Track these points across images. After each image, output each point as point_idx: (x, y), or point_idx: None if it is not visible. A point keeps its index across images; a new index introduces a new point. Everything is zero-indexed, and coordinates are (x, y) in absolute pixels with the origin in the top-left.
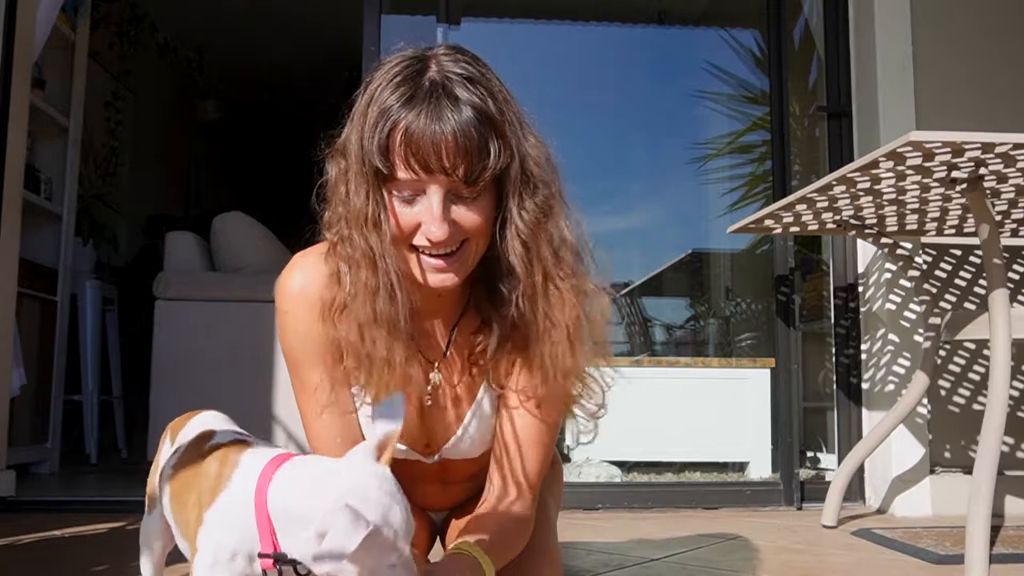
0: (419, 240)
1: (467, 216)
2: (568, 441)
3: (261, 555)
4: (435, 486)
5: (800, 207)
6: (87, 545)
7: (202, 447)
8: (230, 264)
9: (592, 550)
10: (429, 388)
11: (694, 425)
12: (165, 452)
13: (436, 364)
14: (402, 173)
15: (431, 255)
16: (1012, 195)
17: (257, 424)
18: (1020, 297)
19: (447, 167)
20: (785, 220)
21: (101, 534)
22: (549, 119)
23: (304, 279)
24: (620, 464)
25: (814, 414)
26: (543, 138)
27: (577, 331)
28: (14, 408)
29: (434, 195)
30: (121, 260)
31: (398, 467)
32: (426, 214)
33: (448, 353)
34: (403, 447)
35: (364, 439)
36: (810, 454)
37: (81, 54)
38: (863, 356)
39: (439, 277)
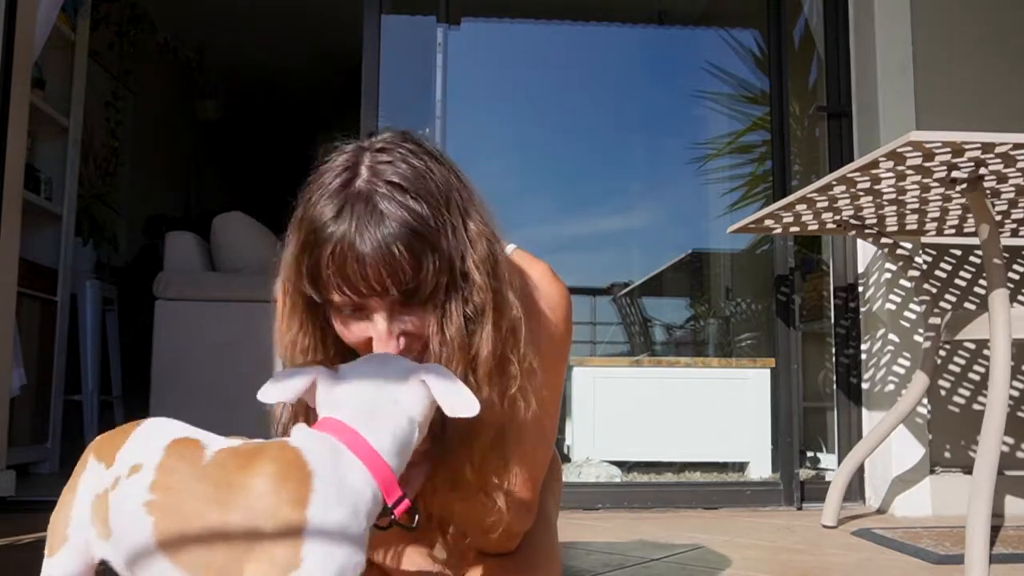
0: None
1: (418, 323)
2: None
3: (388, 509)
4: None
5: (800, 207)
6: None
7: (199, 458)
8: (230, 264)
9: (592, 550)
10: None
11: (694, 425)
12: (90, 478)
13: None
14: (337, 297)
15: None
16: (1012, 195)
17: (257, 424)
18: (1020, 297)
19: (377, 289)
20: (785, 220)
21: None
22: (549, 119)
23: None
24: (620, 464)
25: (814, 414)
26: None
27: (501, 439)
28: (14, 408)
29: (377, 316)
30: (121, 260)
31: None
32: (374, 333)
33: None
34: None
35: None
36: (810, 454)
37: (81, 54)
38: (863, 356)
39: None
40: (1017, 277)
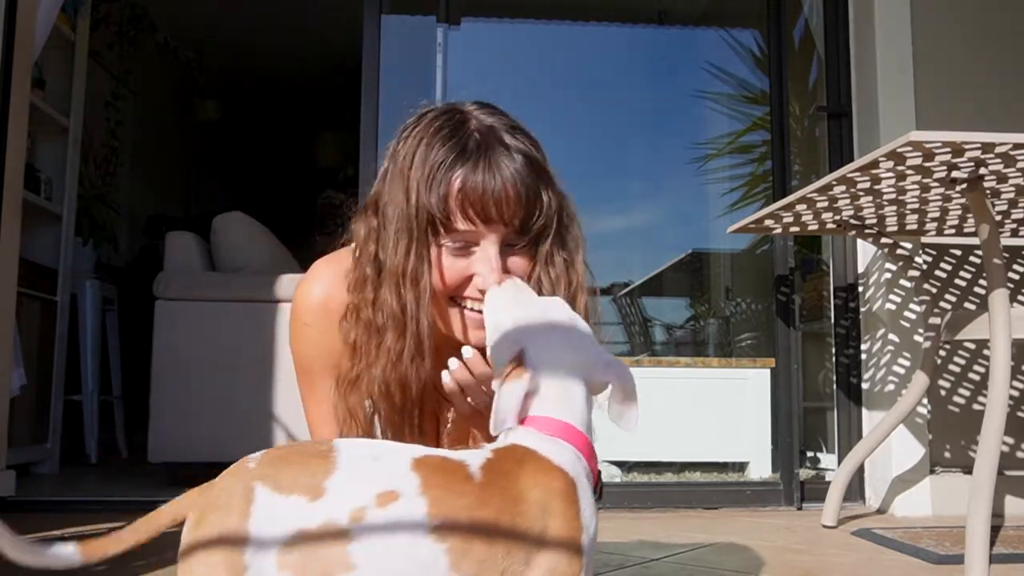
0: (470, 291)
1: (518, 264)
2: None
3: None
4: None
5: (800, 207)
6: None
7: (466, 477)
8: (230, 264)
9: None
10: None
11: (694, 425)
12: (277, 513)
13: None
14: (461, 224)
15: (477, 309)
16: (1012, 195)
17: (257, 424)
18: (1020, 297)
19: (505, 217)
20: (785, 220)
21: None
22: (550, 119)
23: (326, 290)
24: (620, 464)
25: (814, 414)
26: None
27: None
28: (14, 408)
29: (491, 246)
30: (121, 260)
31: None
32: (482, 265)
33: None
34: None
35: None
36: (810, 454)
37: (81, 54)
38: (863, 356)
39: (480, 334)
40: (1017, 277)
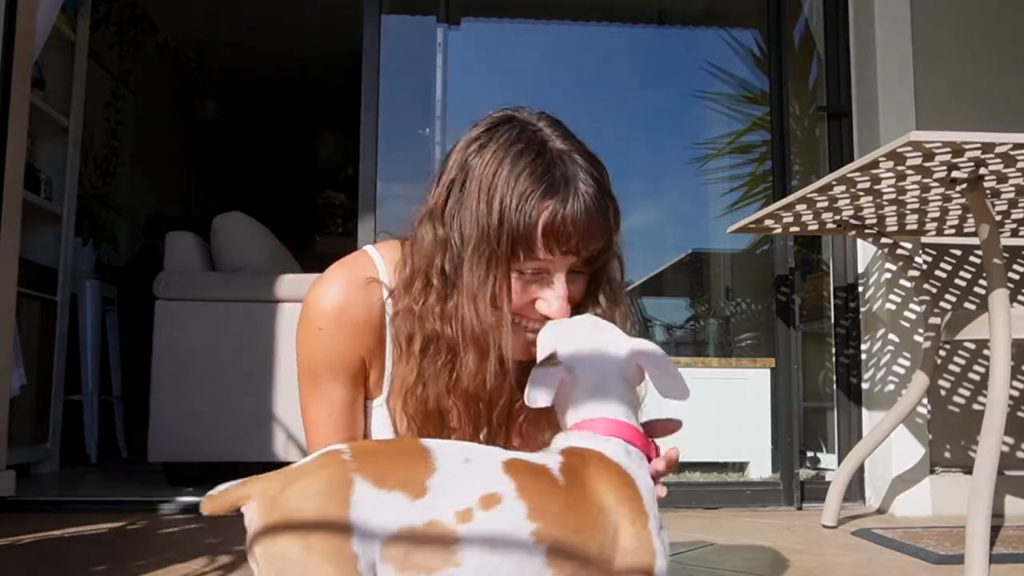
0: (532, 313)
1: (575, 290)
2: None
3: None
4: None
5: (800, 207)
6: (87, 545)
7: (552, 480)
8: (230, 264)
9: None
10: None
11: (694, 425)
12: (376, 508)
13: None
14: (542, 253)
15: (535, 330)
16: (1012, 195)
17: (257, 424)
18: (1020, 297)
19: (582, 250)
20: (785, 220)
21: (101, 534)
22: None
23: (342, 296)
24: None
25: (814, 414)
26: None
27: None
28: (14, 408)
29: (559, 274)
30: (121, 260)
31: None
32: (548, 291)
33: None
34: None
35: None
36: (810, 454)
37: (81, 54)
38: (863, 356)
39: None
40: (1017, 277)
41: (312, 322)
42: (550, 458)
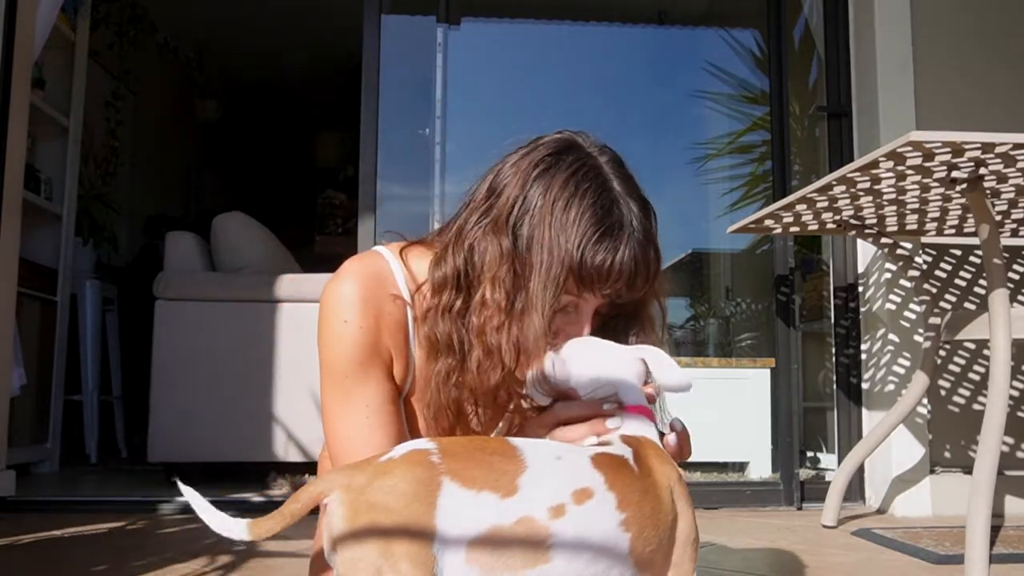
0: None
1: (589, 327)
2: None
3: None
4: None
5: (800, 207)
6: (87, 545)
7: (632, 471)
8: (230, 264)
9: None
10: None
11: (694, 425)
12: (464, 508)
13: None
14: (587, 293)
15: None
16: (1012, 195)
17: (257, 424)
18: (1020, 297)
19: (619, 295)
20: (785, 220)
21: (101, 534)
22: (550, 119)
23: (362, 287)
24: None
25: (814, 414)
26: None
27: None
28: (14, 408)
29: (587, 311)
30: (121, 260)
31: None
32: (574, 327)
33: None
34: None
35: (401, 432)
36: (810, 454)
37: (81, 54)
38: (863, 356)
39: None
40: (1017, 277)
41: (335, 316)
42: (622, 448)
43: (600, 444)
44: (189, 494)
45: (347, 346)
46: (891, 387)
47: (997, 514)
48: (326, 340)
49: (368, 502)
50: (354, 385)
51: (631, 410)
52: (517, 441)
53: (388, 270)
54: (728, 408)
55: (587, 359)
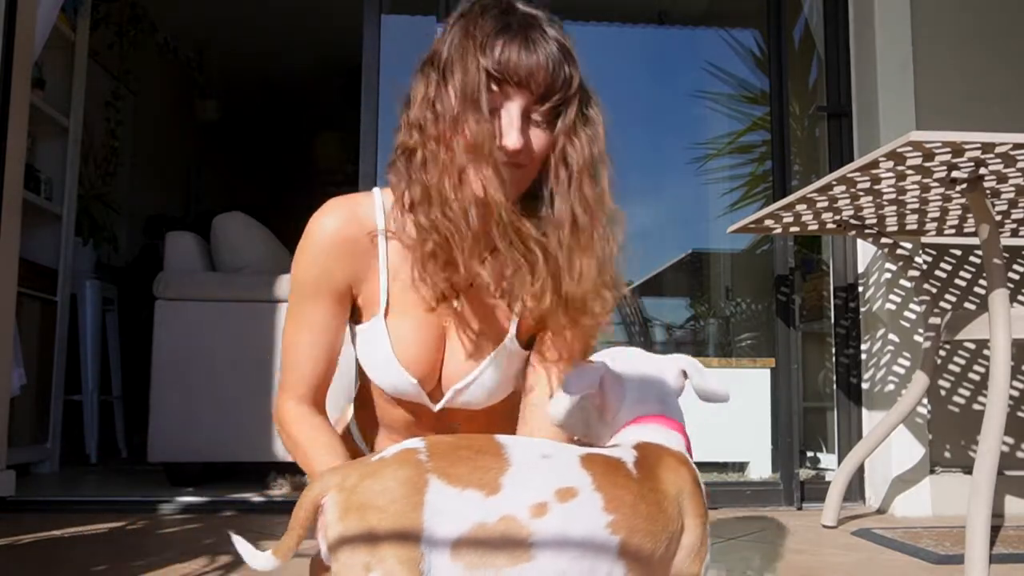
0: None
1: (539, 137)
2: None
3: None
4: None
5: (800, 207)
6: (87, 545)
7: (627, 474)
8: (230, 264)
9: None
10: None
11: (694, 425)
12: (449, 506)
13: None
14: (507, 88)
15: (503, 161)
16: (1012, 195)
17: (257, 424)
18: (1020, 297)
19: (532, 87)
20: (785, 220)
21: (101, 534)
22: None
23: (339, 221)
24: None
25: (814, 414)
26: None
27: (608, 263)
28: (14, 408)
29: (514, 109)
30: (121, 260)
31: (396, 413)
32: (506, 125)
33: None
34: (414, 380)
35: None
36: (810, 454)
37: (81, 54)
38: (863, 356)
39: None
40: (1017, 277)
41: (306, 245)
42: (625, 452)
43: (610, 447)
44: (236, 541)
45: (308, 269)
46: (891, 387)
47: (997, 514)
48: (296, 262)
49: (358, 502)
50: (308, 302)
51: (663, 421)
52: (505, 439)
53: (369, 203)
54: (728, 408)
55: (632, 368)
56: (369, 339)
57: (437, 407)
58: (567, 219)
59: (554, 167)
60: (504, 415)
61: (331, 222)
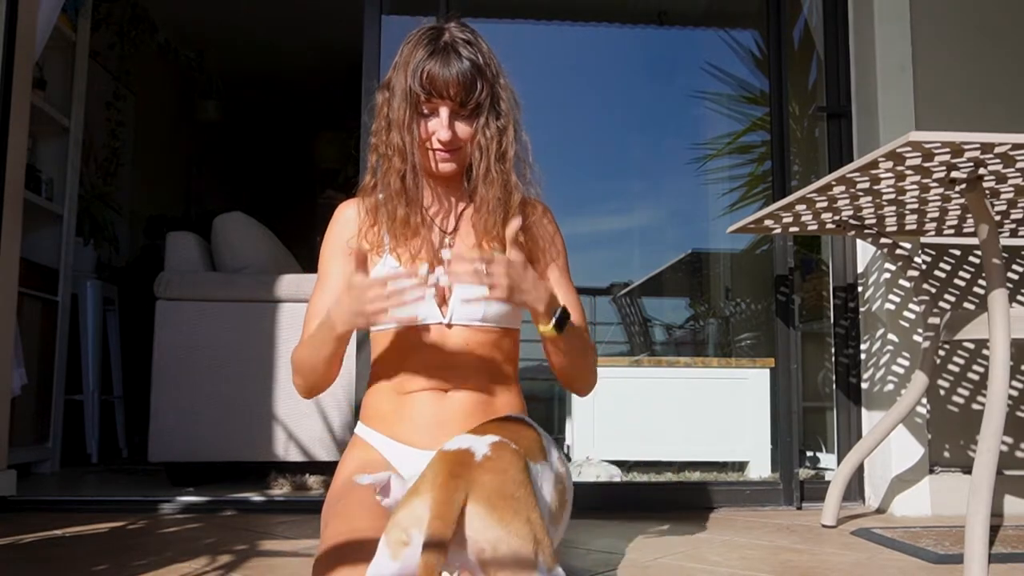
0: (434, 144)
1: (462, 128)
2: None
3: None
4: (437, 382)
5: (800, 207)
6: (87, 545)
7: None
8: (230, 264)
9: (592, 549)
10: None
11: (694, 425)
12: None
13: (450, 234)
14: (435, 98)
15: (440, 151)
16: (1011, 195)
17: (257, 424)
18: (1020, 297)
19: (452, 96)
20: (785, 220)
21: (101, 534)
22: (549, 119)
23: (349, 205)
24: (620, 464)
25: (814, 414)
26: (514, 84)
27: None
28: (15, 408)
29: (443, 112)
30: (122, 260)
31: (404, 344)
32: (438, 125)
33: (458, 226)
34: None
35: None
36: (810, 454)
37: (82, 54)
38: (863, 356)
39: (444, 165)
40: (1017, 277)
41: (334, 221)
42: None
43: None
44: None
45: (326, 245)
46: (890, 387)
47: (996, 514)
48: (327, 237)
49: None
50: (327, 267)
51: None
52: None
53: (356, 206)
54: (728, 408)
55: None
56: (379, 272)
57: (447, 319)
58: (483, 174)
59: (475, 148)
60: (491, 346)
61: (344, 207)
